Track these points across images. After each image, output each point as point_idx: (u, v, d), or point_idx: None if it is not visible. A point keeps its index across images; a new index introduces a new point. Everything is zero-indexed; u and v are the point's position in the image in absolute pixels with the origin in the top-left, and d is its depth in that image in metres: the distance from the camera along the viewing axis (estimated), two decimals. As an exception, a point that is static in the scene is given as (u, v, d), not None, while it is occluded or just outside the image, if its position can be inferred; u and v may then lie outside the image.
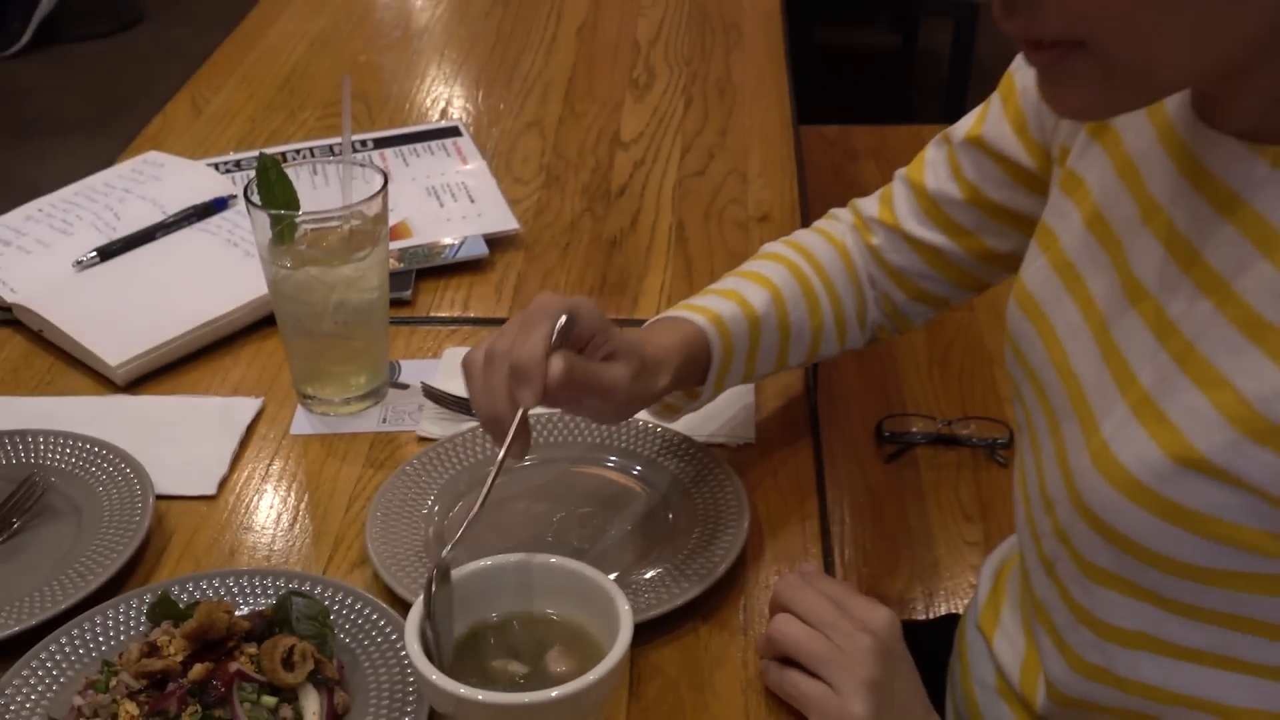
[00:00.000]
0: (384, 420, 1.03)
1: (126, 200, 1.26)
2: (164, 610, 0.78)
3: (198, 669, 0.73)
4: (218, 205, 1.25)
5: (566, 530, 0.90)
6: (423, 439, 1.01)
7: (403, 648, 0.74)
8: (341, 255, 0.97)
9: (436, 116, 1.52)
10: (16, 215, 1.25)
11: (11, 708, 0.75)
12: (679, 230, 1.28)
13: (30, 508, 0.92)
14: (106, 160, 1.38)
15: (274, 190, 0.95)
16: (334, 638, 0.79)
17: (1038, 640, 0.82)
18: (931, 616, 1.41)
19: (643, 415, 0.94)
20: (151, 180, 1.30)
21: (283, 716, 0.73)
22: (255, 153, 1.34)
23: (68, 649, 0.79)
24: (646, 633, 0.81)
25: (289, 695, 0.74)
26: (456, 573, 0.75)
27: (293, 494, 0.96)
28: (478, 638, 0.76)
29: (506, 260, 1.24)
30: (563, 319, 0.78)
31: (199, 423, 1.02)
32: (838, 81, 3.45)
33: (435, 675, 0.69)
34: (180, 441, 1.00)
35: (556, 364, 0.76)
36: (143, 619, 0.80)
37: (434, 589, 0.72)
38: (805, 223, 1.11)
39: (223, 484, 0.97)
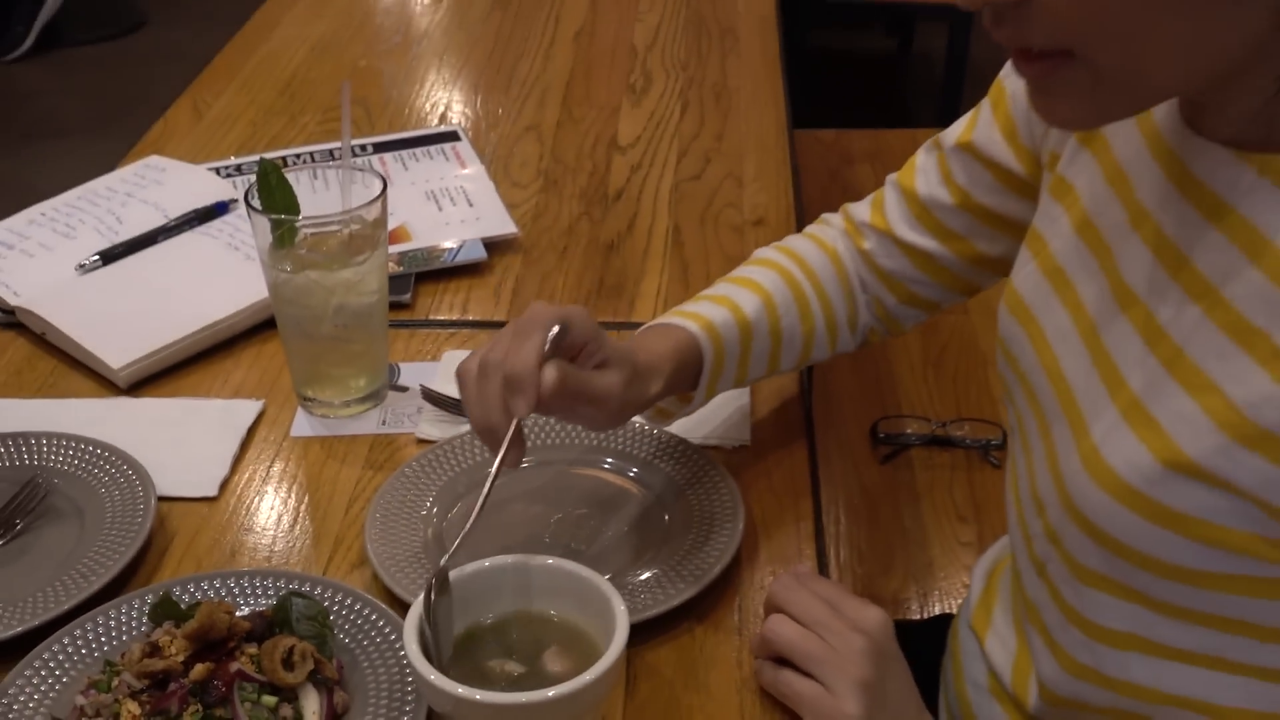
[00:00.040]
0: (383, 422, 1.03)
1: (129, 204, 1.27)
2: (165, 611, 0.78)
3: (199, 669, 0.73)
4: (219, 209, 1.26)
5: (564, 531, 0.91)
6: (422, 441, 1.01)
7: (401, 648, 0.75)
8: (341, 259, 0.97)
9: (436, 121, 1.52)
10: (20, 219, 1.25)
11: (15, 707, 0.76)
12: (675, 234, 1.29)
13: (33, 509, 0.92)
14: (109, 163, 1.38)
15: (274, 195, 0.95)
16: (333, 638, 0.79)
17: (1029, 640, 0.83)
18: (926, 616, 1.42)
19: (638, 418, 0.95)
20: (153, 184, 1.30)
21: (283, 716, 0.73)
22: (256, 157, 1.35)
23: (70, 649, 0.79)
24: (642, 633, 0.82)
25: (289, 695, 0.74)
26: (455, 574, 0.76)
27: (293, 495, 0.96)
28: (475, 638, 0.76)
29: (505, 264, 1.24)
30: (555, 329, 0.78)
31: (200, 425, 1.02)
32: (834, 85, 3.45)
33: (434, 675, 0.70)
34: (182, 443, 1.00)
35: (549, 373, 0.77)
36: (144, 619, 0.81)
37: (433, 597, 0.73)
38: (800, 226, 1.11)
39: (224, 485, 0.97)
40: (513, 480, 0.94)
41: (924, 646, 1.00)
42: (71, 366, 1.10)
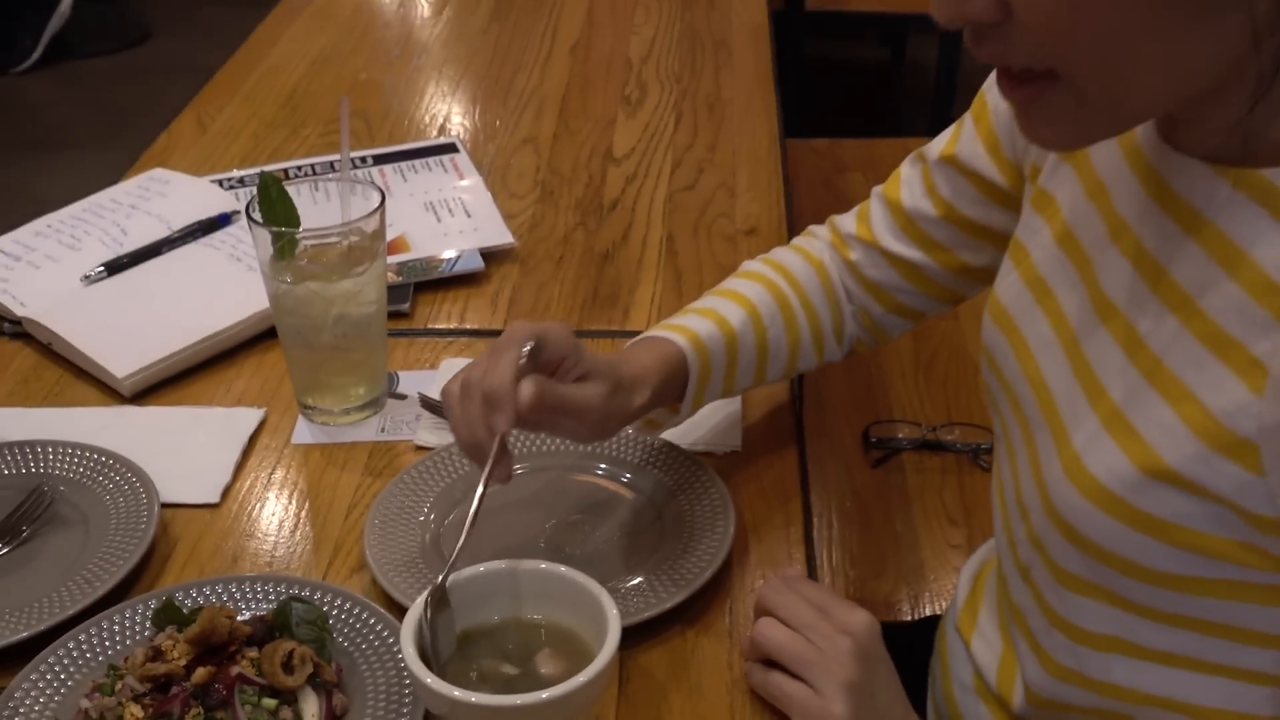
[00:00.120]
0: (382, 430, 1.04)
1: (133, 216, 1.27)
2: (168, 615, 0.79)
3: (200, 672, 0.73)
4: (222, 221, 1.26)
5: (558, 536, 0.91)
6: (420, 448, 1.02)
7: (399, 651, 0.75)
8: (340, 270, 0.98)
9: (435, 133, 1.53)
10: (26, 231, 1.25)
11: (21, 710, 0.76)
12: (669, 243, 1.29)
13: (39, 516, 0.93)
14: (115, 173, 1.39)
15: (275, 208, 0.96)
16: (332, 642, 0.79)
17: (1014, 642, 0.83)
18: (917, 618, 1.42)
19: (628, 428, 0.95)
20: (157, 196, 1.30)
21: (283, 718, 0.74)
22: (258, 169, 1.35)
23: (75, 653, 0.80)
24: (635, 636, 0.82)
25: (289, 698, 0.75)
26: (451, 579, 0.76)
27: (294, 502, 0.97)
28: (471, 641, 0.77)
29: (502, 273, 1.25)
30: (529, 345, 0.79)
31: (203, 433, 1.03)
32: (828, 95, 3.46)
33: (430, 679, 0.70)
34: (185, 451, 1.00)
35: (526, 388, 0.78)
36: (148, 624, 0.81)
37: (430, 615, 0.73)
38: (791, 235, 1.12)
39: (226, 492, 0.97)
40: (508, 486, 0.94)
41: (913, 647, 1.01)
42: (77, 376, 1.10)
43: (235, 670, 0.74)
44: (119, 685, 0.74)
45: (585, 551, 0.90)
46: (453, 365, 1.10)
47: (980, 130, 0.90)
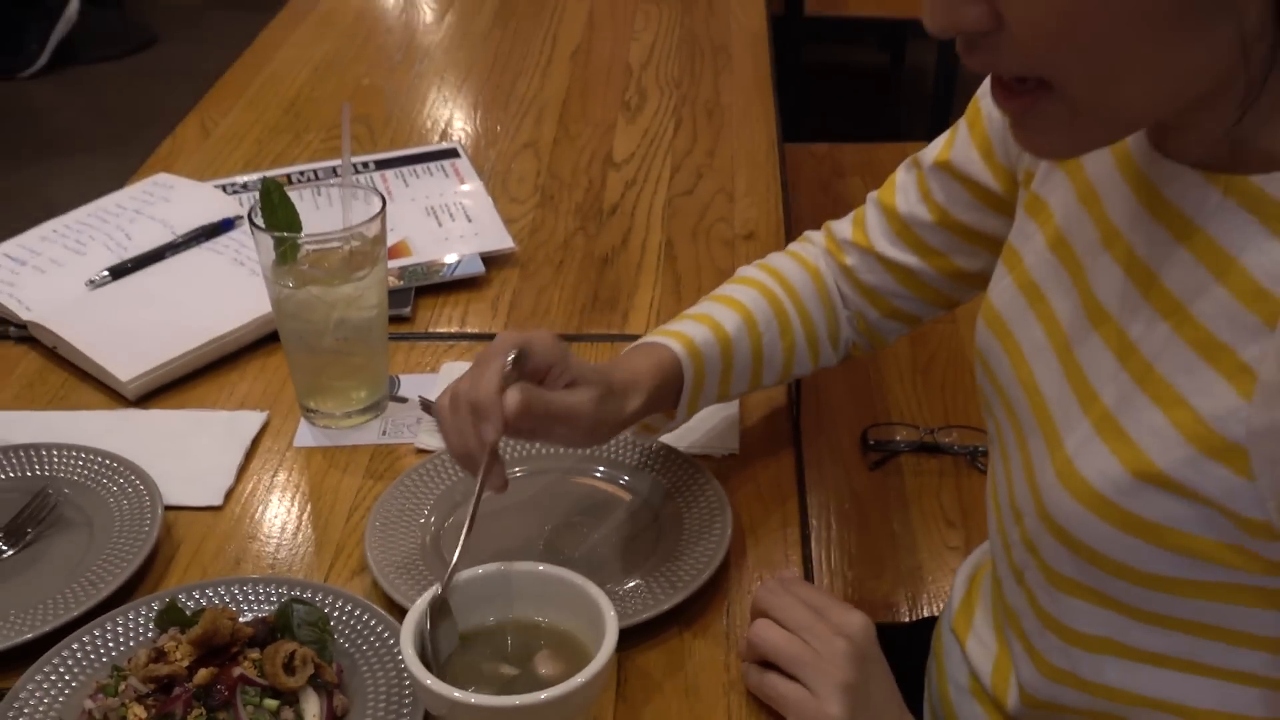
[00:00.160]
0: (383, 433, 1.04)
1: (137, 221, 1.28)
2: (171, 617, 0.79)
3: (203, 673, 0.74)
4: (225, 226, 1.26)
5: (557, 538, 0.91)
6: (421, 451, 1.02)
7: (399, 652, 0.76)
8: (342, 275, 0.98)
9: (436, 138, 1.53)
10: (32, 236, 1.26)
11: (26, 711, 0.76)
12: (668, 248, 1.30)
13: (44, 518, 0.93)
14: (121, 177, 1.39)
15: (277, 213, 0.96)
16: (333, 643, 0.80)
17: (1009, 644, 0.83)
18: (914, 619, 1.42)
19: (626, 433, 0.95)
20: (161, 201, 1.31)
21: (284, 719, 0.74)
22: (261, 174, 1.36)
23: (79, 654, 0.80)
24: (633, 637, 0.83)
25: (290, 698, 0.75)
26: (451, 581, 0.77)
27: (296, 504, 0.97)
28: (471, 642, 0.77)
29: (502, 277, 1.25)
30: (513, 354, 0.80)
31: (206, 436, 1.03)
32: (828, 99, 3.46)
33: (430, 680, 0.70)
34: (188, 454, 1.01)
35: (512, 396, 0.78)
36: (151, 626, 0.82)
37: (430, 626, 0.74)
38: (789, 240, 1.12)
39: (229, 495, 0.98)
40: (510, 489, 0.95)
41: (910, 649, 1.01)
42: (82, 379, 1.11)
43: (237, 671, 0.74)
44: (122, 686, 0.75)
45: (584, 553, 0.90)
46: (453, 369, 1.10)
47: (974, 136, 0.90)
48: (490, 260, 1.26)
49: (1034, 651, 0.79)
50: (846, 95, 3.61)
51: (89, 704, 0.75)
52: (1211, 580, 0.67)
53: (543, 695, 0.70)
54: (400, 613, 0.80)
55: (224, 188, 1.37)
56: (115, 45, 3.69)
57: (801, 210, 2.05)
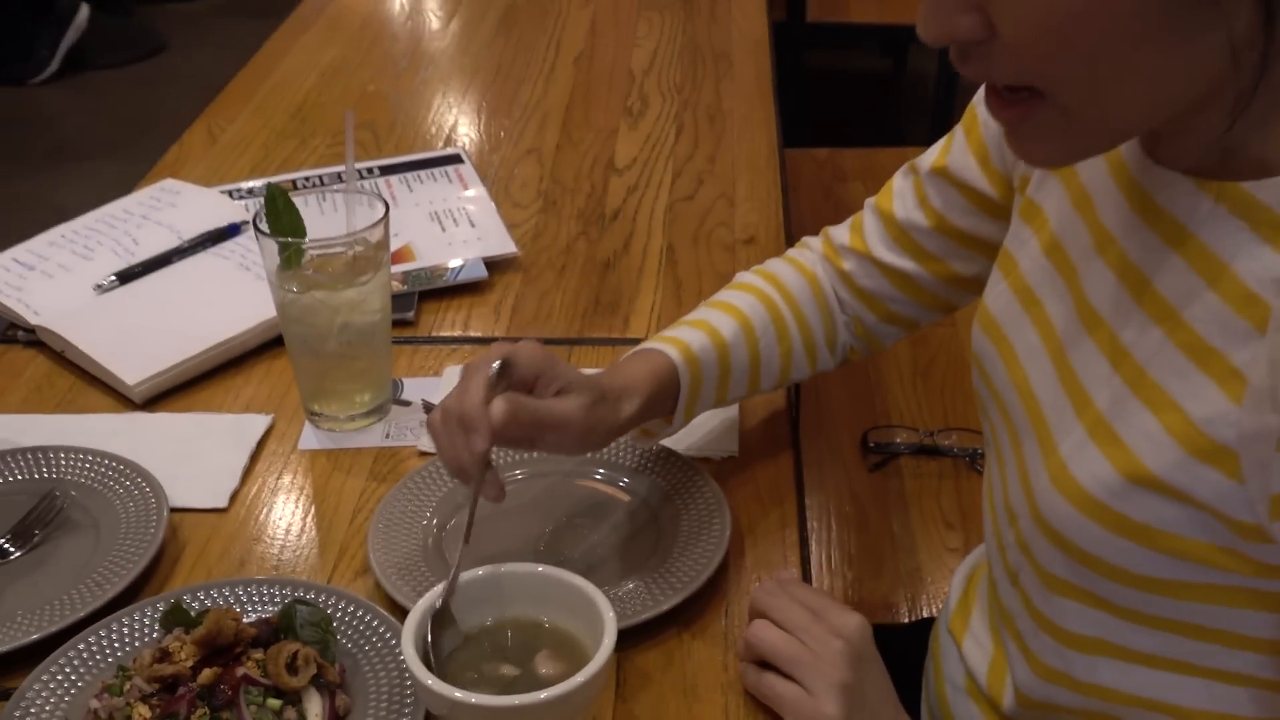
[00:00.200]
0: (387, 436, 1.04)
1: (144, 226, 1.28)
2: (176, 618, 0.79)
3: (206, 673, 0.74)
4: (231, 231, 1.27)
5: (557, 540, 0.92)
6: (423, 453, 1.02)
7: (401, 653, 0.76)
8: (345, 280, 0.98)
9: (440, 144, 1.54)
10: (40, 241, 1.26)
11: (32, 711, 0.77)
12: (669, 252, 1.30)
13: (51, 520, 0.93)
14: (130, 182, 1.40)
15: (281, 219, 0.97)
16: (336, 643, 0.80)
17: (1004, 644, 0.84)
18: (914, 620, 1.43)
19: (625, 436, 0.95)
20: (168, 207, 1.31)
21: (287, 718, 0.74)
22: (267, 180, 1.36)
23: (85, 655, 0.81)
24: (633, 637, 0.83)
25: (293, 698, 0.75)
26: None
27: (300, 506, 0.97)
28: (471, 643, 0.77)
29: (505, 282, 1.25)
30: (495, 365, 0.81)
31: (212, 438, 1.03)
32: (831, 104, 3.46)
33: (431, 680, 0.71)
34: (194, 456, 1.01)
35: (498, 406, 0.79)
36: (156, 626, 0.82)
37: (430, 638, 0.74)
38: (789, 244, 1.12)
39: (234, 497, 0.98)
40: (511, 491, 0.95)
41: (908, 649, 1.01)
42: (89, 383, 1.11)
43: (240, 671, 0.75)
44: (127, 686, 0.75)
45: (584, 555, 0.90)
46: (456, 373, 1.10)
47: (971, 142, 0.91)
48: (493, 265, 1.26)
49: (1029, 652, 0.79)
50: (849, 101, 3.61)
51: (94, 703, 0.75)
52: (1203, 582, 0.67)
53: (542, 695, 0.70)
54: (402, 613, 0.80)
55: (230, 193, 1.37)
56: (124, 52, 3.70)
57: (803, 215, 2.05)
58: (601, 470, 0.97)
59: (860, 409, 1.72)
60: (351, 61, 1.76)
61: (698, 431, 1.01)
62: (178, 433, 1.04)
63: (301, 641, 0.77)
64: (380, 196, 1.00)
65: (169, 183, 1.37)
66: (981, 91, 0.86)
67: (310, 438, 1.04)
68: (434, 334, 1.18)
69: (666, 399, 0.91)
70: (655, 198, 1.40)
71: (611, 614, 0.74)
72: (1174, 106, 0.62)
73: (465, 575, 0.77)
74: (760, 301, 0.97)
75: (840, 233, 1.01)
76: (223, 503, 0.97)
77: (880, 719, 0.79)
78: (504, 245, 1.28)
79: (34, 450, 0.99)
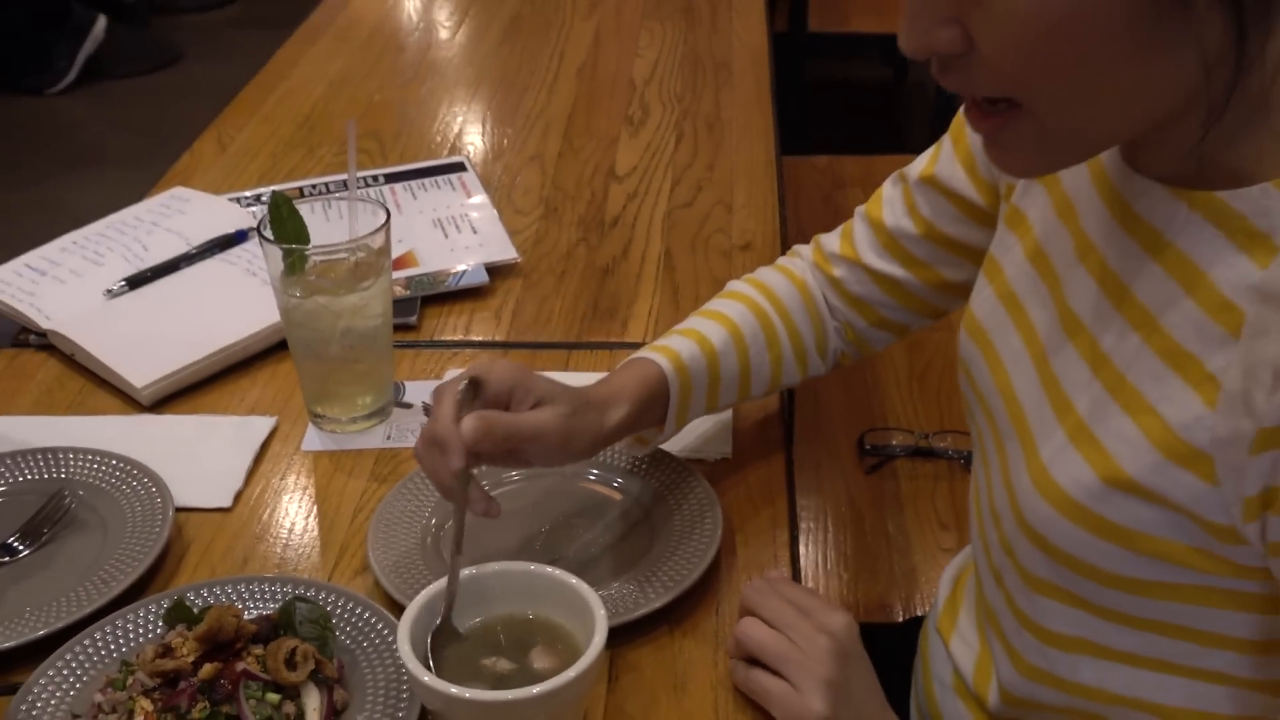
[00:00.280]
0: (388, 437, 1.05)
1: (154, 233, 1.29)
2: (178, 614, 0.80)
3: (207, 668, 0.75)
4: (238, 237, 1.28)
5: (553, 539, 0.92)
6: (424, 455, 1.03)
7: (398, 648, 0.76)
8: (348, 285, 0.99)
9: (445, 152, 1.54)
10: (52, 247, 1.27)
11: (39, 704, 0.78)
12: (667, 258, 1.30)
13: (60, 519, 0.94)
14: (146, 190, 1.41)
15: (285, 226, 0.97)
16: (334, 639, 0.81)
17: (989, 643, 0.84)
18: (906, 619, 1.43)
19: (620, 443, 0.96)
20: (177, 214, 1.32)
21: (285, 713, 0.75)
22: (273, 188, 1.37)
23: (90, 650, 0.81)
24: (625, 635, 0.83)
25: (292, 693, 0.76)
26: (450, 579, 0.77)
27: (302, 506, 0.98)
28: (466, 639, 0.78)
29: (506, 287, 1.26)
30: (463, 384, 0.82)
31: (217, 440, 1.04)
32: (832, 113, 3.46)
33: (426, 676, 0.71)
34: (200, 457, 1.02)
35: (467, 424, 0.80)
36: (160, 622, 0.83)
37: (431, 651, 0.75)
38: (785, 250, 1.12)
39: (238, 497, 0.99)
40: (509, 492, 0.96)
41: (899, 647, 1.02)
42: (99, 385, 1.12)
43: (241, 666, 0.75)
44: (130, 680, 0.76)
45: (578, 554, 0.91)
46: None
47: (958, 151, 0.91)
48: (494, 270, 1.27)
49: (1012, 651, 0.79)
50: (851, 109, 3.61)
51: (99, 697, 0.76)
52: (1180, 582, 0.67)
53: (535, 690, 0.70)
54: (400, 610, 0.80)
55: (239, 200, 1.38)
56: (141, 62, 3.71)
57: (803, 221, 2.05)
58: (596, 471, 0.98)
59: (857, 412, 1.72)
60: (359, 72, 1.77)
61: (691, 434, 1.02)
62: (184, 434, 1.05)
63: (300, 638, 0.78)
64: (382, 204, 1.01)
65: (179, 190, 1.38)
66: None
67: (313, 439, 1.05)
68: (436, 338, 1.19)
69: (657, 406, 0.92)
70: (654, 204, 1.41)
71: (603, 611, 0.74)
72: (1148, 119, 0.62)
73: (462, 573, 0.78)
74: (750, 309, 0.97)
75: (831, 240, 1.01)
76: (227, 502, 0.98)
77: (866, 715, 0.79)
78: (505, 251, 1.29)
79: (44, 451, 1.00)
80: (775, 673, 0.78)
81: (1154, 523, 0.66)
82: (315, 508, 0.98)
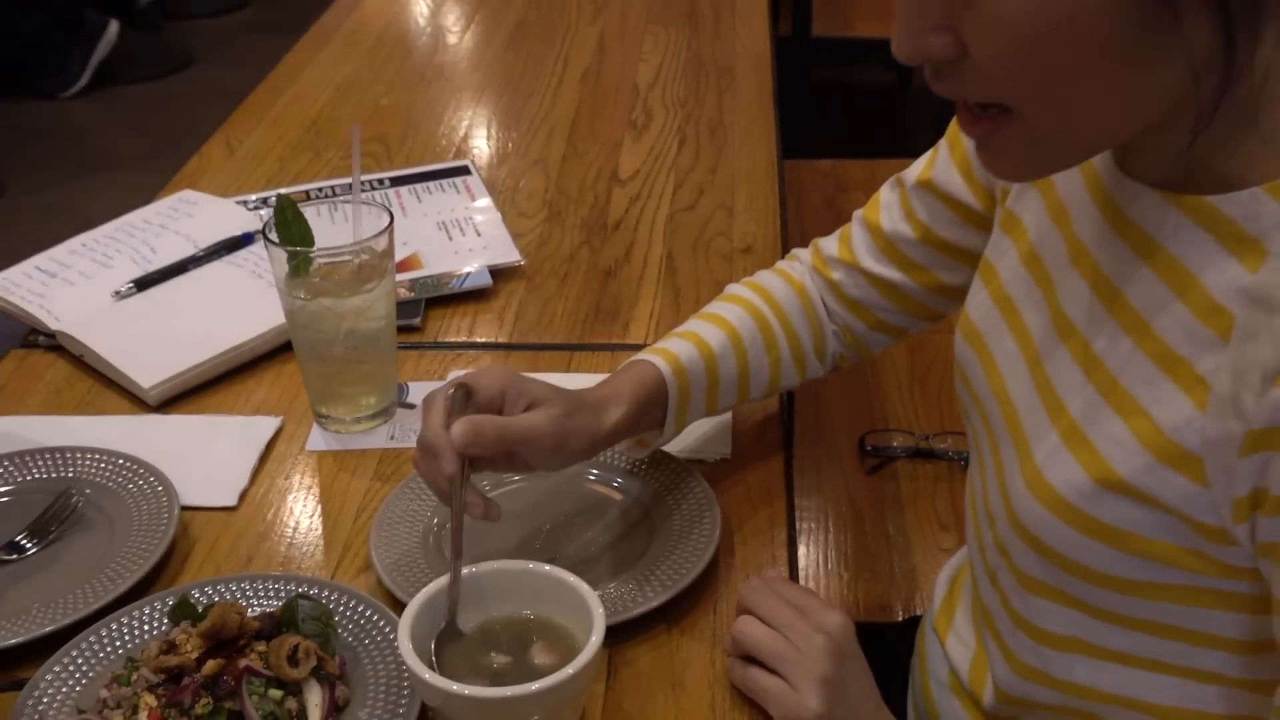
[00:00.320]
0: (392, 437, 1.05)
1: (162, 235, 1.29)
2: (183, 611, 0.80)
3: (210, 664, 0.75)
4: (245, 240, 1.28)
5: (553, 539, 0.92)
6: (426, 455, 1.03)
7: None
8: (351, 287, 0.99)
9: (451, 155, 1.55)
10: (62, 250, 1.28)
11: (45, 699, 0.78)
12: (669, 261, 1.31)
13: (67, 518, 0.95)
14: (159, 194, 1.41)
15: (290, 228, 0.98)
16: (336, 636, 0.81)
17: (985, 642, 0.84)
18: (905, 619, 1.43)
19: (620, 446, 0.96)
20: (185, 217, 1.33)
21: (288, 709, 0.75)
22: (279, 191, 1.37)
23: (96, 646, 0.82)
24: (624, 633, 0.84)
25: (294, 689, 0.76)
26: (450, 578, 0.78)
27: (306, 505, 0.98)
28: (466, 637, 0.78)
29: (509, 289, 1.26)
30: (450, 391, 0.82)
31: (223, 439, 1.04)
32: (836, 117, 3.46)
33: (426, 673, 0.72)
34: (206, 457, 1.02)
35: (456, 430, 0.80)
36: (164, 619, 0.83)
37: (435, 656, 0.75)
38: (785, 253, 1.13)
39: (243, 496, 0.99)
40: (510, 492, 0.96)
41: (897, 646, 1.02)
42: (106, 386, 1.12)
43: (243, 663, 0.76)
44: (135, 676, 0.76)
45: (578, 553, 0.91)
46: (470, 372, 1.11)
47: (955, 156, 0.91)
48: (498, 273, 1.27)
49: (1007, 650, 0.80)
50: (855, 113, 3.61)
51: (104, 693, 0.76)
52: (1172, 583, 0.68)
53: (533, 686, 0.71)
54: (401, 608, 0.81)
55: (246, 203, 1.39)
56: (153, 67, 3.72)
57: (806, 224, 2.05)
58: (596, 471, 0.98)
59: (858, 413, 1.72)
60: (366, 76, 1.78)
61: (691, 434, 1.02)
62: (190, 434, 1.05)
63: (303, 635, 0.78)
64: (386, 207, 1.01)
65: (187, 193, 1.39)
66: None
67: (318, 439, 1.05)
68: (440, 339, 1.19)
69: (655, 408, 0.92)
70: (657, 208, 1.41)
71: (600, 609, 0.75)
72: (1137, 125, 0.63)
73: (464, 570, 0.78)
74: (748, 313, 0.98)
75: (829, 244, 1.01)
76: (232, 501, 0.98)
77: (861, 713, 0.80)
78: (509, 254, 1.29)
79: (52, 450, 1.01)
80: (772, 671, 0.79)
81: (1145, 523, 0.66)
82: (319, 507, 0.98)
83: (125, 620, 0.83)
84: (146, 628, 0.83)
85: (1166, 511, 0.65)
